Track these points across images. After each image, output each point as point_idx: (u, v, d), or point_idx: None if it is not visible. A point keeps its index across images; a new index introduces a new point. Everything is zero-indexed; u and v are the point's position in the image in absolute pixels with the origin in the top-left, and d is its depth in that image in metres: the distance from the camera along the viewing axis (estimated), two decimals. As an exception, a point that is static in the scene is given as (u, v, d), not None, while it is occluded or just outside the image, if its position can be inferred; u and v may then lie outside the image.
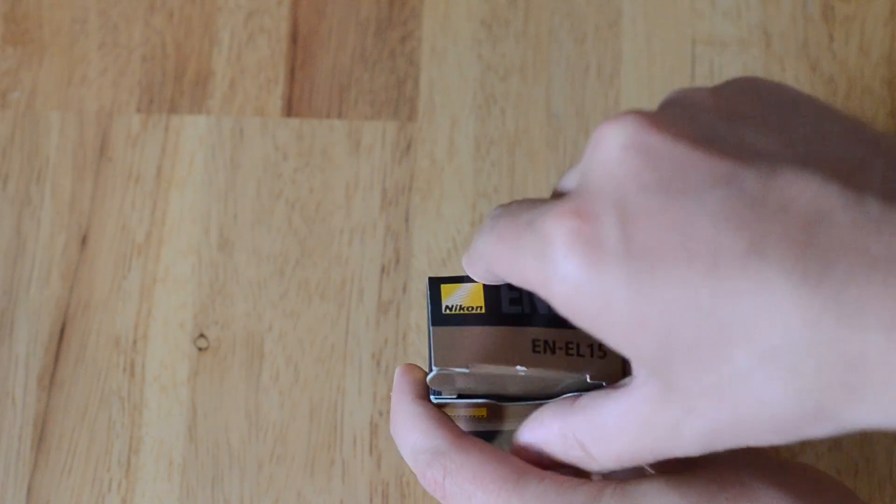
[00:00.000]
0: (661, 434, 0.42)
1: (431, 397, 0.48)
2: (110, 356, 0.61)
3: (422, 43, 0.65)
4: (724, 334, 0.38)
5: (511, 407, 0.49)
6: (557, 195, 0.44)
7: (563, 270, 0.40)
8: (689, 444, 0.41)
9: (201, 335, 0.61)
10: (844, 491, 0.46)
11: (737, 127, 0.40)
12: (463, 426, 0.51)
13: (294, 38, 0.65)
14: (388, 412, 0.60)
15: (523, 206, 0.43)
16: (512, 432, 0.52)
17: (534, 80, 0.64)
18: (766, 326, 0.38)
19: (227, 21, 0.65)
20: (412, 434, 0.49)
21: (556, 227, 0.40)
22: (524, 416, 0.50)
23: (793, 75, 0.64)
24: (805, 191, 0.38)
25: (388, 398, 0.60)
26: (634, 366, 0.43)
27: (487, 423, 0.51)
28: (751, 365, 0.38)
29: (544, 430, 0.46)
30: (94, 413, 0.60)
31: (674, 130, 0.40)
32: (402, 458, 0.59)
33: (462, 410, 0.50)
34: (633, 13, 0.65)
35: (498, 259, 0.44)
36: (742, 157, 0.39)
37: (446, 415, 0.49)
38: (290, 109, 0.64)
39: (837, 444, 0.60)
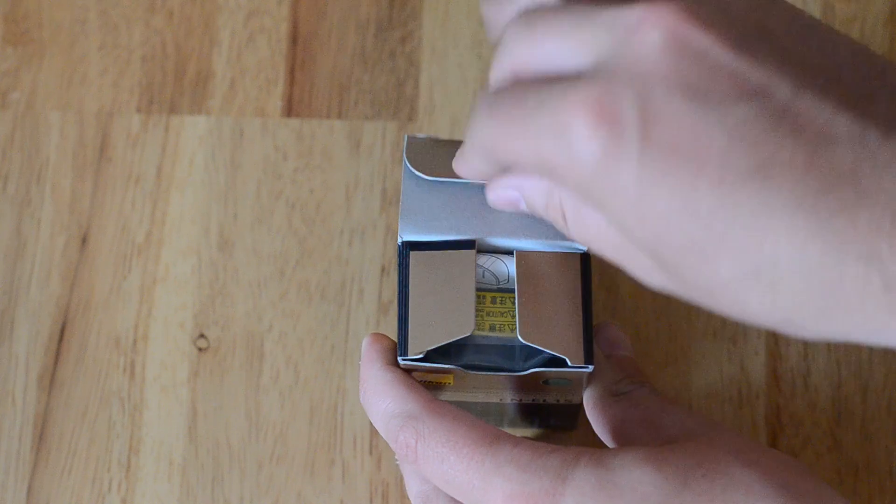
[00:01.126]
0: (640, 271, 0.44)
1: (399, 359, 0.48)
2: (110, 356, 0.61)
3: (422, 43, 0.65)
4: (714, 244, 0.40)
5: (477, 376, 0.49)
6: (568, 77, 0.43)
7: (581, 155, 0.41)
8: (658, 286, 0.44)
9: (201, 335, 0.61)
10: (818, 479, 0.47)
11: (765, 40, 0.41)
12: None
13: (294, 38, 0.65)
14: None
15: (528, 89, 0.43)
16: (478, 404, 0.53)
17: (534, 81, 0.64)
18: (755, 244, 0.40)
19: (227, 21, 0.66)
20: (384, 400, 0.49)
21: (578, 113, 0.41)
22: (489, 385, 0.50)
23: (793, 75, 0.64)
24: (819, 117, 0.40)
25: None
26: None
27: (453, 392, 0.51)
28: (733, 277, 0.40)
29: (532, 182, 0.46)
30: (94, 413, 0.60)
31: (715, 31, 0.40)
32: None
33: (428, 377, 0.50)
34: (633, 13, 0.65)
35: (505, 142, 0.44)
36: (771, 73, 0.40)
37: (417, 381, 0.49)
38: (290, 110, 0.64)
39: (837, 445, 0.60)
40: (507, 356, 0.49)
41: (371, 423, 0.60)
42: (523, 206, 0.46)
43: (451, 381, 0.50)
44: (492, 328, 0.49)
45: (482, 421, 0.48)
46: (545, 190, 0.45)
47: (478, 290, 0.49)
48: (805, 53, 0.41)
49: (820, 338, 0.41)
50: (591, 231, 0.44)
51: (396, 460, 0.56)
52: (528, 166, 0.44)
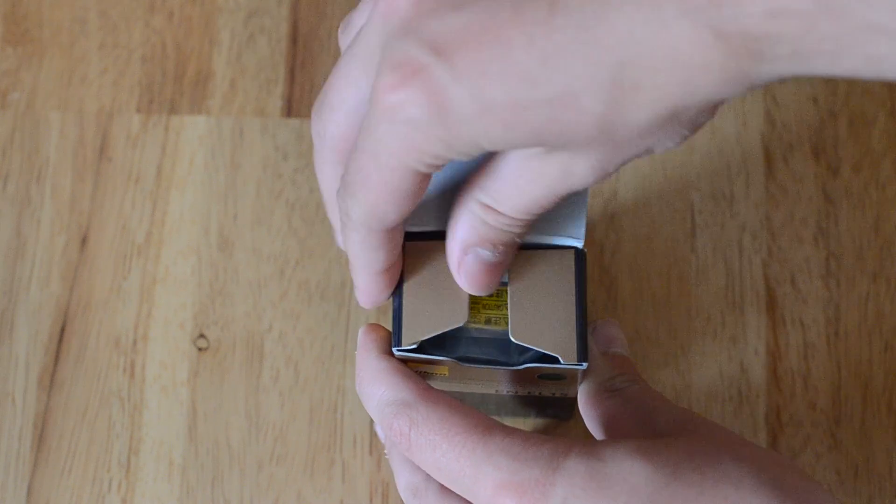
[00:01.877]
0: (552, 178, 0.43)
1: (393, 350, 0.48)
2: (110, 356, 0.61)
3: (422, 43, 0.65)
4: (565, 77, 0.40)
5: (471, 368, 0.49)
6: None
7: (417, 121, 0.41)
8: (581, 178, 0.43)
9: (201, 335, 0.61)
10: (809, 477, 0.47)
11: None
12: None
13: (294, 38, 0.65)
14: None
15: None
16: (474, 394, 0.53)
17: (534, 81, 0.64)
18: (595, 54, 0.39)
19: (227, 21, 0.66)
20: (379, 388, 0.49)
21: (386, 98, 0.41)
22: (484, 377, 0.50)
23: (793, 75, 0.64)
24: None
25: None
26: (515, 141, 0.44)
27: (448, 382, 0.52)
28: (594, 99, 0.40)
29: (458, 216, 0.46)
30: (94, 413, 0.60)
31: None
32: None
33: (423, 367, 0.50)
34: (633, 13, 0.65)
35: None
36: None
37: (412, 370, 0.49)
38: (290, 110, 0.64)
39: (837, 445, 0.60)
40: (502, 349, 0.49)
41: (371, 423, 0.60)
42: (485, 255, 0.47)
43: (447, 372, 0.50)
44: (487, 321, 0.49)
45: (476, 410, 0.48)
46: (468, 207, 0.46)
47: None
48: None
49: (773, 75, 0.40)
50: (515, 195, 0.45)
51: (386, 454, 0.56)
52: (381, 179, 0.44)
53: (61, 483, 0.60)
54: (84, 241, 0.63)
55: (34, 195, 0.63)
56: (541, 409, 0.57)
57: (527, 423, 0.60)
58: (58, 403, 0.61)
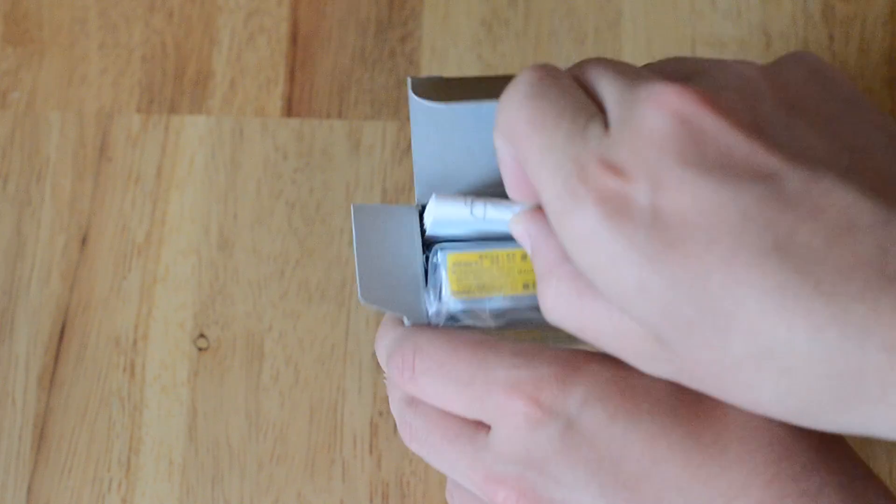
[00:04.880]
0: (639, 358, 0.42)
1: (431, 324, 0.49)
2: (110, 356, 0.61)
3: (422, 43, 0.65)
4: (726, 322, 0.38)
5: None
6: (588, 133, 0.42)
7: (583, 214, 0.40)
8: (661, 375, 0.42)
9: (201, 335, 0.61)
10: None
11: (790, 119, 0.40)
12: None
13: (294, 38, 0.65)
14: (388, 412, 0.60)
15: (564, 112, 0.42)
16: None
17: (534, 80, 0.64)
18: (769, 326, 0.38)
19: (227, 21, 0.66)
20: (390, 333, 0.49)
21: (589, 172, 0.40)
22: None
23: (793, 75, 0.64)
24: (840, 200, 0.38)
25: (388, 399, 0.60)
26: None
27: None
28: (745, 357, 0.38)
29: (533, 240, 0.45)
30: (94, 413, 0.60)
31: (727, 114, 0.40)
32: (402, 457, 0.59)
33: None
34: (633, 13, 0.65)
35: (522, 141, 0.42)
36: (790, 156, 0.39)
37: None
38: (290, 109, 0.64)
39: (837, 444, 0.60)
40: (539, 311, 0.49)
41: (371, 423, 0.60)
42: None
43: None
44: (525, 286, 0.49)
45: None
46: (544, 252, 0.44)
47: (510, 248, 0.49)
48: (833, 134, 0.40)
49: (838, 430, 0.39)
50: (587, 314, 0.42)
51: (384, 379, 0.56)
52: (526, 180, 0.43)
53: (61, 483, 0.60)
54: (84, 241, 0.63)
55: (34, 195, 0.63)
56: None
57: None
58: (58, 403, 0.61)
